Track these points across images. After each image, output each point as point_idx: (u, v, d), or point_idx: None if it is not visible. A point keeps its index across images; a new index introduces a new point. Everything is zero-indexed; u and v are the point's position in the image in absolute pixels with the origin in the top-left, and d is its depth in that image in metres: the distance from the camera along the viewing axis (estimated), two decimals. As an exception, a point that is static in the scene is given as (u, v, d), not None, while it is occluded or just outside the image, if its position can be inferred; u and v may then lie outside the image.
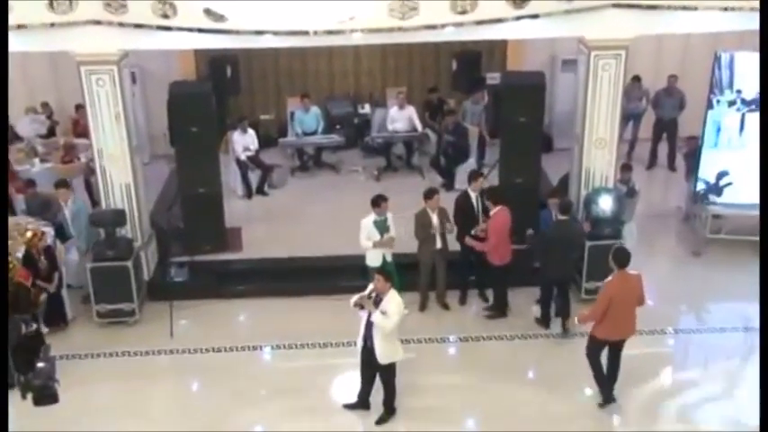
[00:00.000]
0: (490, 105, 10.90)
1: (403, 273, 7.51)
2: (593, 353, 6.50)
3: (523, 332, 7.55)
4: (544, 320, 7.55)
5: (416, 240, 7.73)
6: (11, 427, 4.34)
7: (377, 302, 5.97)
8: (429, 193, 7.61)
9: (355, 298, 5.98)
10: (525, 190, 8.40)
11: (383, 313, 5.92)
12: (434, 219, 7.57)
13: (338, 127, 11.87)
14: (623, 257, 6.23)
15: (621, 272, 6.21)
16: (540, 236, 7.31)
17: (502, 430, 6.35)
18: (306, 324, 7.69)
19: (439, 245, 7.65)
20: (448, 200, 7.98)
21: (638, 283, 6.25)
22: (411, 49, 12.05)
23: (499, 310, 7.78)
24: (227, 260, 8.67)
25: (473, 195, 7.82)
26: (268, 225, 9.64)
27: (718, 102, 8.54)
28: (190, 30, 7.13)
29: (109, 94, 7.53)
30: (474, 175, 7.98)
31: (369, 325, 6.04)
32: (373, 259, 7.50)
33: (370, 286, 6.09)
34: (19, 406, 4.42)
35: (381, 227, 7.47)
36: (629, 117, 11.03)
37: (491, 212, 7.43)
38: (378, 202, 7.44)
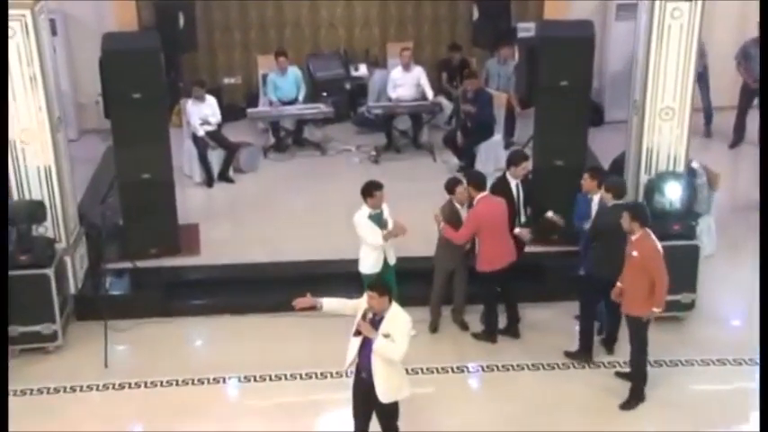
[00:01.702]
0: (522, 65, 10.79)
1: (404, 282, 7.44)
2: (646, 343, 6.81)
3: (566, 360, 7.46)
4: (585, 349, 7.39)
5: (424, 242, 7.67)
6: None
7: (375, 323, 5.85)
8: (452, 185, 7.49)
9: (355, 323, 5.88)
10: (568, 175, 8.25)
11: (386, 337, 5.79)
12: (464, 215, 7.47)
13: (324, 94, 11.85)
14: (645, 213, 6.69)
15: (647, 231, 6.62)
16: (590, 227, 7.22)
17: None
18: (283, 349, 7.64)
19: (467, 246, 7.57)
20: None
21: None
22: (419, -8, 12.03)
23: (488, 335, 7.70)
24: (179, 267, 8.63)
25: (513, 183, 7.73)
26: (233, 221, 9.59)
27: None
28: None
29: (20, 48, 7.40)
30: (517, 158, 7.84)
31: (364, 351, 5.91)
32: (372, 265, 7.39)
33: (362, 302, 5.93)
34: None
35: (377, 223, 7.36)
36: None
37: (475, 200, 7.38)
38: (370, 190, 7.29)
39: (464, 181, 7.61)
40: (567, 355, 7.43)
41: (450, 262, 7.61)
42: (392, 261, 7.46)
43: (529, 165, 7.91)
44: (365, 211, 7.34)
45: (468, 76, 10.55)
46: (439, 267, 7.67)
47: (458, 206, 7.49)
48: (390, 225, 7.40)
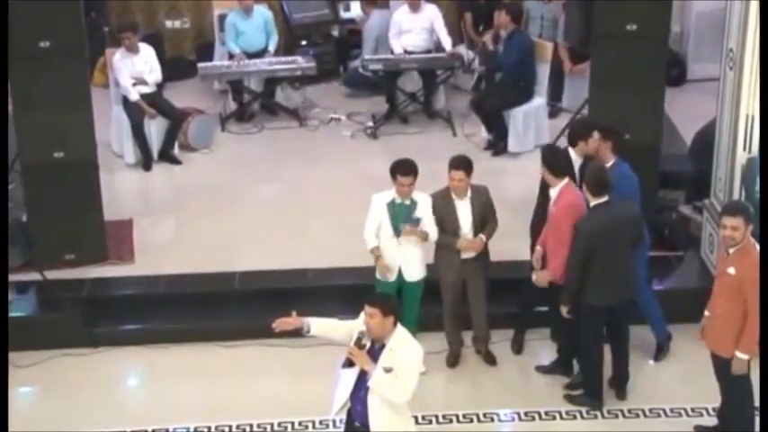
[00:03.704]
0: (573, 4, 10.82)
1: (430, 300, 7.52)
2: (749, 388, 6.75)
3: (631, 405, 7.48)
4: (591, 392, 7.46)
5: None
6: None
7: (374, 353, 5.86)
8: (456, 164, 7.47)
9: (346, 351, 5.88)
10: (638, 153, 8.27)
11: (387, 371, 5.81)
12: (462, 212, 7.51)
13: (304, 43, 11.87)
14: (752, 211, 6.53)
15: (752, 242, 6.52)
16: (578, 232, 7.13)
17: None
18: (248, 390, 7.66)
19: (471, 252, 7.59)
20: (493, 174, 7.87)
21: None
22: None
23: (563, 365, 7.77)
24: (105, 279, 8.66)
25: (577, 163, 7.69)
26: (179, 217, 9.63)
27: None
28: None
29: None
30: (586, 129, 7.75)
31: (359, 392, 5.93)
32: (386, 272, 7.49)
33: (357, 324, 5.95)
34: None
35: (400, 216, 7.40)
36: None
37: (553, 189, 7.39)
38: (393, 173, 7.34)
39: (470, 163, 7.50)
40: (570, 399, 7.51)
41: (450, 271, 7.61)
42: (411, 277, 7.50)
43: (604, 142, 7.80)
44: (386, 195, 7.42)
45: (503, 8, 10.40)
46: (441, 281, 7.70)
47: (453, 196, 7.48)
48: (431, 226, 7.40)
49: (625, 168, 7.56)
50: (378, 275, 7.51)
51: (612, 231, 7.06)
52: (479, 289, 7.73)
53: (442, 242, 7.57)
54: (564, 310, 7.25)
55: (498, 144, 10.46)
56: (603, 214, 7.05)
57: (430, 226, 7.44)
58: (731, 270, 6.51)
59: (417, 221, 7.39)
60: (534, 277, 7.48)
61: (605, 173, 7.17)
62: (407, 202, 7.40)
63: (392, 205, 7.40)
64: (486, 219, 7.55)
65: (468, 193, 7.50)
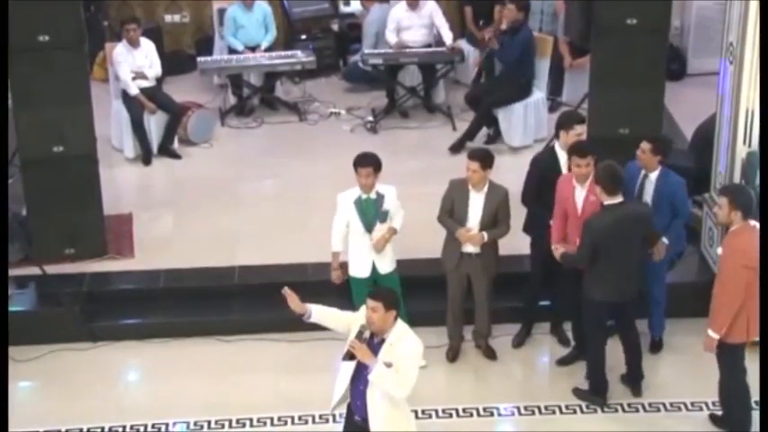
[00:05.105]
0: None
1: (413, 293, 7.44)
2: (740, 375, 6.75)
3: (634, 399, 7.49)
4: (596, 389, 7.45)
5: (439, 239, 7.69)
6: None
7: (374, 347, 5.87)
8: (472, 155, 7.48)
9: (347, 344, 5.88)
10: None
11: (388, 366, 5.81)
12: (474, 204, 7.50)
13: (303, 38, 11.89)
14: (749, 198, 6.58)
15: (749, 225, 6.56)
16: (587, 228, 7.09)
17: None
18: (246, 385, 7.68)
19: (471, 247, 7.59)
20: (493, 168, 7.84)
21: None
22: None
23: (582, 351, 7.73)
24: (105, 274, 8.69)
25: (563, 157, 7.69)
26: (179, 212, 9.65)
27: None
28: None
29: None
30: (568, 120, 7.79)
31: (358, 386, 5.95)
32: (357, 267, 7.50)
33: (358, 317, 5.97)
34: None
35: (369, 211, 7.42)
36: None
37: (582, 186, 7.33)
38: (362, 162, 7.36)
39: (488, 156, 7.49)
40: (576, 393, 7.50)
41: (449, 258, 7.61)
42: (383, 269, 7.51)
43: (583, 130, 7.87)
44: (351, 193, 7.44)
45: (513, 2, 10.26)
46: (448, 273, 7.72)
47: (470, 188, 7.47)
48: (396, 219, 7.44)
49: (675, 176, 7.57)
50: (353, 272, 7.52)
51: (621, 229, 6.98)
52: (482, 286, 7.73)
53: (448, 227, 7.56)
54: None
55: (496, 138, 10.47)
56: (615, 213, 6.96)
57: (396, 217, 7.46)
58: (719, 249, 6.65)
59: (386, 215, 7.39)
60: (554, 246, 7.39)
61: (619, 170, 7.05)
62: (373, 196, 7.40)
63: (359, 202, 7.40)
64: (498, 220, 7.51)
65: (486, 188, 7.47)
